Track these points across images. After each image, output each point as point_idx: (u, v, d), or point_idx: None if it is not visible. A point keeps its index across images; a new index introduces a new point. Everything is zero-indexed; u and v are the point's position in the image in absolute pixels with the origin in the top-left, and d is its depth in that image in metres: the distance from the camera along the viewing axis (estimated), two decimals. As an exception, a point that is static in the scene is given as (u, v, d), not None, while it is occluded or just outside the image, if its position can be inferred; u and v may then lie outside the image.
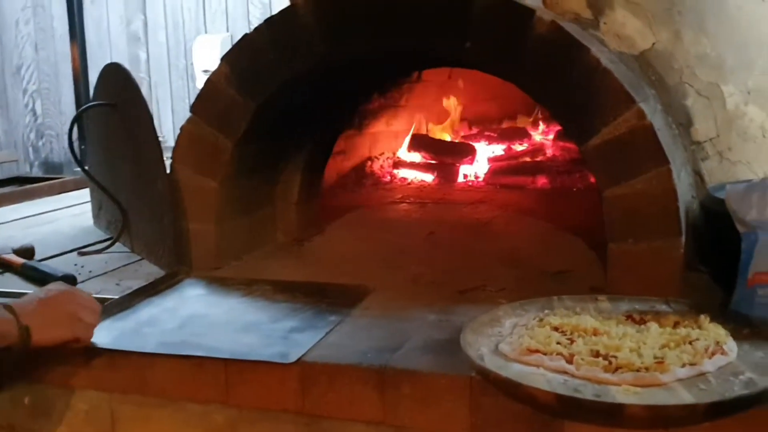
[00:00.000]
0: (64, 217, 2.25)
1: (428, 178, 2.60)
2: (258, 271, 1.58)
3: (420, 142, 2.66)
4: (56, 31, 3.89)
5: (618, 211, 1.32)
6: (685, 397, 0.92)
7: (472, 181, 2.58)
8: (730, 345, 1.05)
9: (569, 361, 1.01)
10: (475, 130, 2.76)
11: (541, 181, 2.46)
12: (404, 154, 2.68)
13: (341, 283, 1.48)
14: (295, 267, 1.63)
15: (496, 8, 1.34)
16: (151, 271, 1.62)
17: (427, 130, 2.74)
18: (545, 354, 1.03)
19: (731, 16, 1.67)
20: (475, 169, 2.60)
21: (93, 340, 1.20)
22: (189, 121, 1.58)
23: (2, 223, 2.20)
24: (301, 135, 1.74)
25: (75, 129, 1.87)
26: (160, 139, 1.67)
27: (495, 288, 1.45)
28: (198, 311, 1.36)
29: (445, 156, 2.63)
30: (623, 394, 0.94)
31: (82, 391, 1.24)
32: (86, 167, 1.94)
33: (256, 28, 1.51)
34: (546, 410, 0.98)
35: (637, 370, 0.97)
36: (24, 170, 4.00)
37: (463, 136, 2.73)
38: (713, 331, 1.07)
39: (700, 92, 1.56)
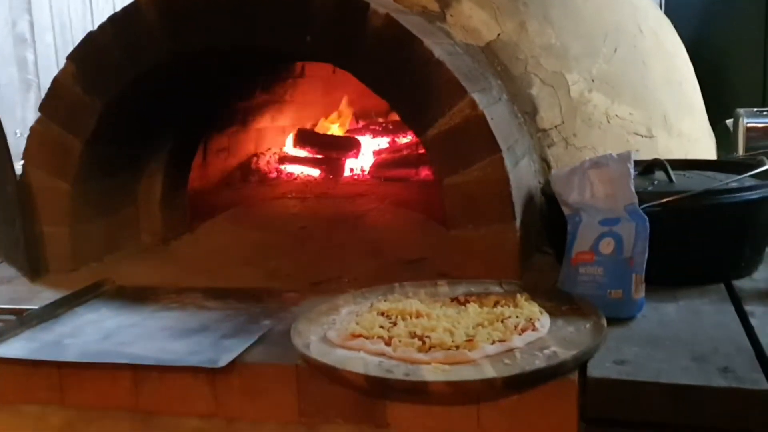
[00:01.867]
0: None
1: (315, 172, 2.61)
2: (117, 272, 1.57)
3: (305, 138, 2.66)
4: (-63, 34, 3.74)
5: (456, 199, 1.37)
6: (487, 371, 0.96)
7: (358, 174, 2.60)
8: (543, 321, 1.09)
9: (388, 344, 1.04)
10: (361, 124, 2.78)
11: (424, 172, 2.49)
12: (290, 149, 2.69)
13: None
14: (155, 267, 1.62)
15: (332, 2, 1.36)
16: (6, 275, 1.60)
17: (315, 126, 2.75)
18: (367, 338, 1.06)
19: (576, 6, 1.74)
20: (360, 163, 2.63)
21: (7, 353, 1.17)
22: (38, 121, 1.56)
23: None
24: (161, 132, 1.73)
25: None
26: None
27: (349, 278, 1.48)
28: (124, 321, 1.29)
29: (330, 151, 2.64)
30: (432, 372, 0.97)
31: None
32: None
33: (100, 26, 1.50)
34: (362, 392, 1.00)
35: (448, 349, 1.01)
36: None
37: (348, 130, 2.75)
38: (528, 309, 1.12)
39: (545, 81, 1.62)
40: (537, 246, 1.53)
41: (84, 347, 1.18)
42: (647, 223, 1.17)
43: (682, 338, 1.09)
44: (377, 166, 2.57)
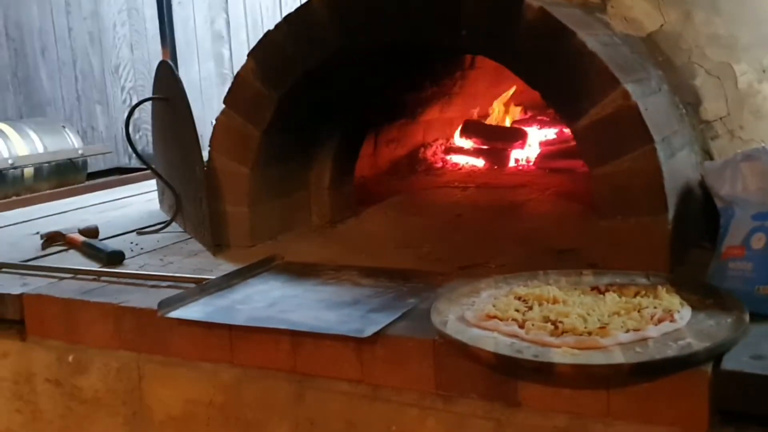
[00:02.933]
0: (137, 203, 2.47)
1: (479, 163, 2.67)
2: (287, 249, 1.71)
3: (472, 128, 2.72)
4: (149, 32, 4.18)
5: (606, 190, 1.37)
6: (616, 357, 0.98)
7: (523, 165, 2.62)
8: (683, 314, 1.09)
9: (521, 326, 1.09)
10: (528, 115, 2.80)
11: (590, 164, 2.47)
12: (457, 140, 2.76)
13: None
14: (321, 246, 1.76)
15: (486, -3, 1.42)
16: (194, 249, 1.79)
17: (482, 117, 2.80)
18: (501, 320, 1.11)
19: (749, -7, 1.67)
20: (526, 154, 2.65)
21: (186, 315, 1.33)
22: (222, 112, 1.73)
23: (82, 208, 2.44)
24: (331, 123, 1.86)
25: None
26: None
27: (496, 264, 1.53)
28: (288, 292, 1.42)
29: (496, 141, 2.69)
30: (561, 355, 1.01)
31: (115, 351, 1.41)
32: (148, 156, 2.13)
33: (276, 25, 1.64)
34: (492, 369, 1.06)
35: (581, 335, 1.04)
36: (123, 162, 4.33)
37: (515, 121, 2.77)
38: (667, 300, 1.12)
39: (710, 72, 1.58)
40: (696, 240, 1.50)
41: (251, 313, 1.32)
42: (802, 219, 1.13)
43: (832, 339, 1.04)
44: (543, 157, 2.59)
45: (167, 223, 2.00)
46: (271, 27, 1.68)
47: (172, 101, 1.90)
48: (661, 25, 1.59)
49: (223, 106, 1.75)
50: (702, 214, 1.49)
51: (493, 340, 1.06)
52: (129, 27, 4.22)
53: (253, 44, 1.70)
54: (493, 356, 1.02)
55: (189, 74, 4.04)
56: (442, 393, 1.14)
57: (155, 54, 4.13)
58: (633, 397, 1.01)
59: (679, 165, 1.44)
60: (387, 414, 1.18)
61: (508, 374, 1.06)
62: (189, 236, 1.92)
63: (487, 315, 1.12)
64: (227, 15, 3.95)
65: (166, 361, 1.37)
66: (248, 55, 1.68)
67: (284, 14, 1.66)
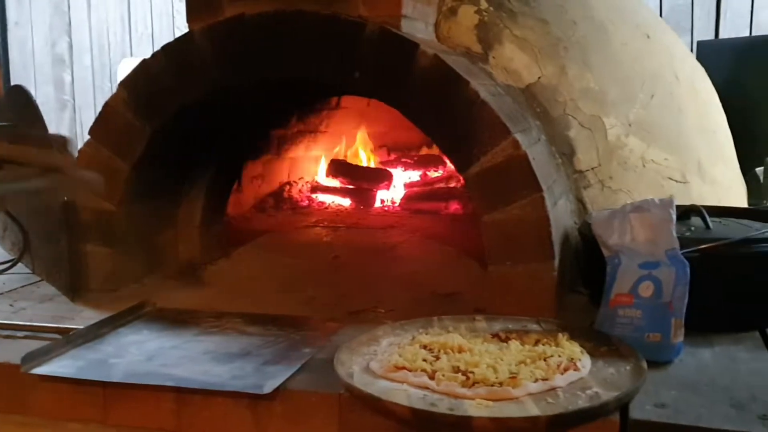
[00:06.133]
0: (-28, 239, 2.22)
1: (345, 202, 2.65)
2: (156, 294, 1.59)
3: (338, 168, 2.70)
4: (-21, 52, 3.84)
5: (495, 236, 1.39)
6: (531, 409, 0.98)
7: (389, 206, 2.63)
8: (584, 362, 1.11)
9: (431, 377, 1.06)
10: (393, 157, 2.82)
11: (454, 206, 2.52)
12: (323, 179, 2.73)
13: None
14: (193, 290, 1.65)
15: (382, 41, 1.40)
16: (47, 293, 1.63)
17: (345, 156, 2.79)
18: (410, 371, 1.08)
19: (615, 52, 1.77)
20: (391, 195, 2.66)
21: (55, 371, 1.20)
22: (87, 144, 1.60)
23: None
24: (203, 159, 1.77)
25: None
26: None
27: (386, 309, 1.50)
28: (166, 343, 1.31)
29: (362, 181, 2.68)
30: (475, 407, 0.99)
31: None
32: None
33: (153, 54, 1.54)
34: (405, 424, 1.02)
35: (492, 385, 1.03)
36: (-57, 191, 3.92)
37: (380, 162, 2.78)
38: (569, 349, 1.13)
39: (583, 124, 1.65)
40: (570, 285, 1.55)
41: (129, 367, 1.20)
42: (687, 269, 1.18)
43: (720, 384, 1.10)
44: (408, 199, 2.61)
45: (13, 263, 1.81)
46: (120, 53, 1.58)
47: (24, 129, 1.73)
48: (539, 78, 1.65)
49: (70, 133, 1.62)
50: (575, 260, 1.55)
51: (404, 393, 1.03)
52: (-44, 45, 3.86)
53: (98, 70, 1.59)
54: (409, 411, 0.98)
55: (25, 99, 3.74)
56: (345, 450, 1.09)
57: (-15, 75, 3.81)
58: (545, 448, 1.00)
59: (560, 213, 1.48)
60: (285, 475, 1.11)
61: (421, 429, 1.02)
62: (39, 278, 1.75)
63: (395, 366, 1.08)
64: (70, 39, 3.71)
65: (27, 422, 1.22)
66: (120, 84, 1.57)
67: (133, 41, 1.57)
